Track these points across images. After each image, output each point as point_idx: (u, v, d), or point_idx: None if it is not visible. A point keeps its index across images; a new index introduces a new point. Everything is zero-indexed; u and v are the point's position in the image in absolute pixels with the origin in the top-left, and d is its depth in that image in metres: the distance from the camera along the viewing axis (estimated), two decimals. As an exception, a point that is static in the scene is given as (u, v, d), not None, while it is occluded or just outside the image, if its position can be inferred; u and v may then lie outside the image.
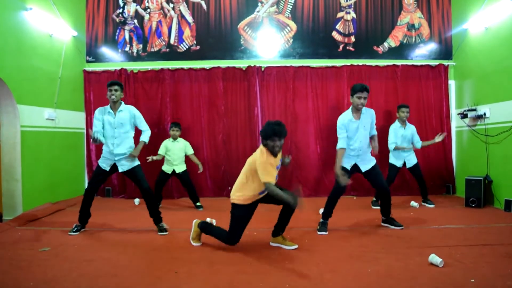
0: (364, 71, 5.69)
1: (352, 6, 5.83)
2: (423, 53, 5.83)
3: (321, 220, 3.68)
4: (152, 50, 5.91)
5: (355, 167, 3.63)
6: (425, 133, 5.59)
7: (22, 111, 4.36)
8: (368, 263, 2.69)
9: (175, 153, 4.84)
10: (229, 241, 3.05)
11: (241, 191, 2.99)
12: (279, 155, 3.01)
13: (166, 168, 4.88)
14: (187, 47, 5.89)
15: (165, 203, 5.16)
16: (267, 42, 5.86)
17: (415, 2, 5.81)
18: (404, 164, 4.78)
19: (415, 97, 5.68)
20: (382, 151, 4.85)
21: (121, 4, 5.91)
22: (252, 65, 5.71)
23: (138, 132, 3.79)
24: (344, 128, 3.51)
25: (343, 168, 3.60)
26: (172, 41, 5.89)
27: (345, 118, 3.53)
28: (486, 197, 4.68)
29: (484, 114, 4.83)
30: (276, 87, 5.76)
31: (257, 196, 2.99)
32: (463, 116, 5.23)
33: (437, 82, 5.70)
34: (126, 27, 5.92)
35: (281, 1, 5.86)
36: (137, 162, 3.72)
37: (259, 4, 5.86)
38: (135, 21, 5.91)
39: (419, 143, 4.79)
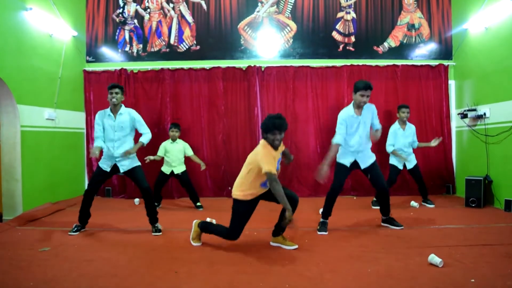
0: (364, 71, 5.68)
1: (352, 6, 5.83)
2: (423, 53, 5.83)
3: (321, 219, 3.68)
4: (152, 50, 5.91)
5: (355, 164, 3.62)
6: (425, 133, 5.60)
7: (22, 111, 4.36)
8: (368, 263, 2.69)
9: (174, 154, 4.85)
10: (230, 237, 3.05)
11: (242, 187, 2.99)
12: (280, 149, 3.01)
13: (165, 169, 4.89)
14: (187, 47, 5.89)
15: (165, 203, 5.16)
16: (267, 42, 5.86)
17: (415, 2, 5.81)
18: (404, 165, 4.79)
19: (415, 97, 5.68)
20: (382, 151, 4.87)
21: (121, 4, 5.91)
22: (252, 65, 5.71)
23: (138, 135, 3.79)
24: (345, 123, 3.47)
25: (343, 166, 3.60)
26: (172, 41, 5.89)
27: (347, 113, 3.50)
28: (486, 197, 4.68)
29: (484, 114, 4.83)
30: (276, 87, 5.76)
31: (259, 189, 2.97)
32: (463, 116, 5.23)
33: (437, 82, 5.70)
34: (126, 27, 5.92)
35: (281, 1, 5.86)
36: (137, 163, 3.72)
37: (259, 4, 5.86)
38: (135, 21, 5.91)
39: (415, 143, 4.84)
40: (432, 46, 5.82)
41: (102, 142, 3.63)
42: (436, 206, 4.74)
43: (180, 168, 4.90)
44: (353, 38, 5.84)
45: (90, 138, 5.79)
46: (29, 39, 4.55)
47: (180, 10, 5.89)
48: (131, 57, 5.92)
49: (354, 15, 5.83)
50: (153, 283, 2.41)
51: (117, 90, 3.58)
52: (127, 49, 5.92)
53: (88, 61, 5.92)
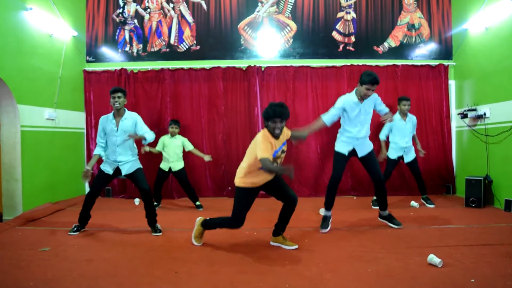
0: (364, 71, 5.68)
1: (352, 6, 5.83)
2: (423, 53, 5.83)
3: (324, 212, 3.67)
4: (152, 50, 5.91)
5: (353, 152, 3.61)
6: (425, 133, 5.60)
7: (22, 111, 4.37)
8: (368, 263, 2.70)
9: (172, 149, 4.83)
10: (233, 225, 3.06)
11: (241, 174, 3.02)
12: (283, 137, 3.00)
13: (163, 165, 4.87)
14: (187, 47, 5.89)
15: (165, 203, 5.17)
16: (267, 42, 5.86)
17: (415, 2, 5.81)
18: (402, 158, 4.76)
19: (415, 97, 5.66)
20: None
21: (121, 4, 5.90)
22: (252, 65, 5.71)
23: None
24: (342, 108, 3.46)
25: (341, 155, 3.60)
26: (172, 41, 5.89)
27: (350, 99, 3.47)
28: (486, 197, 4.68)
29: (484, 114, 4.83)
30: (276, 87, 5.76)
31: (260, 176, 2.97)
32: (463, 116, 5.23)
33: (437, 82, 5.70)
34: (126, 27, 5.92)
35: (281, 1, 5.86)
36: (139, 165, 3.72)
37: (259, 4, 5.86)
38: (135, 21, 5.91)
39: (413, 133, 4.86)
40: (432, 46, 5.82)
41: (102, 150, 3.64)
42: (436, 206, 4.73)
43: (178, 165, 4.87)
44: (353, 38, 5.83)
45: (90, 138, 5.80)
46: (29, 39, 4.56)
47: (180, 10, 5.88)
48: (131, 57, 5.92)
49: (354, 15, 5.83)
50: (153, 283, 2.41)
51: (119, 94, 3.53)
52: (127, 49, 5.92)
53: (88, 61, 5.92)
